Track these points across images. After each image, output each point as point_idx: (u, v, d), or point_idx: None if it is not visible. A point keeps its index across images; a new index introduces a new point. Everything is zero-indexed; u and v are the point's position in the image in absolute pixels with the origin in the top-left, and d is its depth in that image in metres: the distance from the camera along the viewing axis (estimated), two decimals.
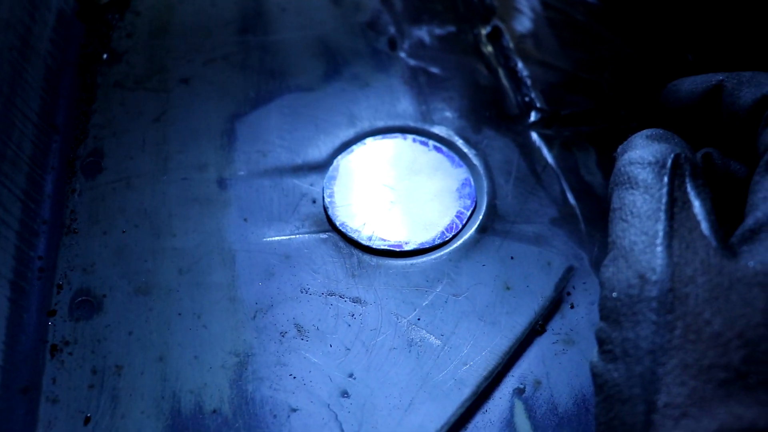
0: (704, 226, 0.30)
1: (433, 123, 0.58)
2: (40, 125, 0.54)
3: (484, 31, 0.66)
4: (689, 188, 0.32)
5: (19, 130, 0.52)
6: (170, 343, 0.46)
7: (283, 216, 0.52)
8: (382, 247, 0.50)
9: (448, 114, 0.59)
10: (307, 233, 0.51)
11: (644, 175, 0.32)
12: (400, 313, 0.48)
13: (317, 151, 0.55)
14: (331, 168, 0.54)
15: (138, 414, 0.43)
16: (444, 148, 0.56)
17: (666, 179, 0.32)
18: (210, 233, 0.51)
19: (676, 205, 0.31)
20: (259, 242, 0.50)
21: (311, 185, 0.53)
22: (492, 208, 0.54)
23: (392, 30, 0.65)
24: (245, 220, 0.51)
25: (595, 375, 0.31)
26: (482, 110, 0.59)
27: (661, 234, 0.30)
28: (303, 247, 0.50)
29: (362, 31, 0.64)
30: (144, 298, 0.47)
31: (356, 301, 0.48)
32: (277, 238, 0.51)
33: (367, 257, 0.50)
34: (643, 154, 0.33)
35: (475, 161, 0.56)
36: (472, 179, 0.55)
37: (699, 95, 0.38)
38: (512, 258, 0.51)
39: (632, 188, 0.32)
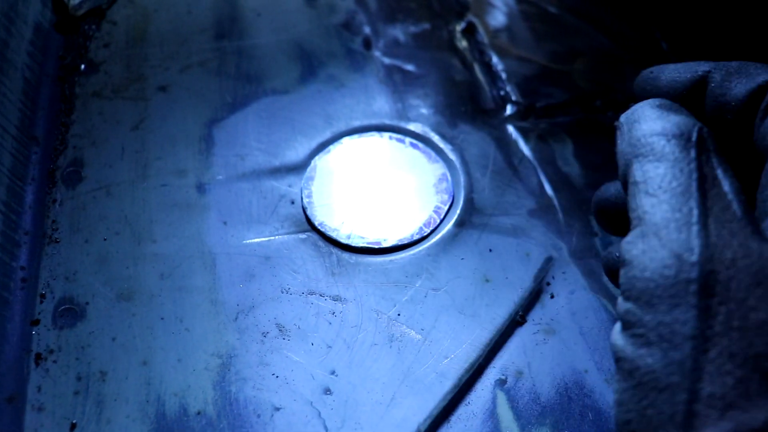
0: (736, 207, 0.29)
1: (408, 120, 0.58)
2: (20, 138, 0.55)
3: (458, 27, 0.67)
4: (716, 165, 0.30)
5: None
6: (153, 347, 0.46)
7: (262, 218, 0.52)
8: (361, 245, 0.51)
9: (423, 111, 0.59)
10: (287, 234, 0.52)
11: (670, 147, 0.30)
12: (380, 309, 0.48)
13: (295, 153, 0.56)
14: (308, 168, 0.55)
15: (123, 419, 0.43)
16: (420, 145, 0.57)
17: (693, 153, 0.30)
18: (190, 238, 0.51)
19: (706, 182, 0.29)
20: (239, 245, 0.51)
21: (289, 186, 0.54)
22: (469, 202, 0.54)
23: (367, 30, 0.65)
24: (225, 223, 0.52)
25: (621, 359, 0.28)
26: (458, 105, 0.60)
27: (695, 212, 0.28)
28: (283, 247, 0.51)
29: (337, 32, 0.65)
30: (126, 304, 0.48)
31: (336, 299, 0.48)
32: (256, 240, 0.51)
33: (346, 255, 0.51)
34: (665, 126, 0.32)
35: (452, 156, 0.56)
36: (448, 174, 0.55)
37: (683, 85, 0.37)
38: (491, 251, 0.51)
39: (658, 161, 0.30)
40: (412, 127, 0.58)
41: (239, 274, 0.49)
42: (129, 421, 0.43)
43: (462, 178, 0.55)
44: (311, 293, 0.49)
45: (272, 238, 0.51)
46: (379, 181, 0.55)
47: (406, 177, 0.55)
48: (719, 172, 0.30)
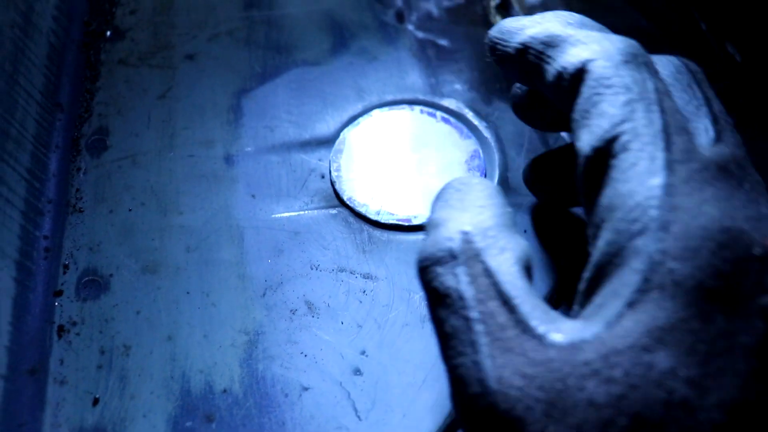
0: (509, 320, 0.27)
1: (442, 95, 0.56)
2: (44, 104, 0.53)
3: (493, 3, 0.65)
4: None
5: (22, 108, 0.51)
6: (179, 322, 0.45)
7: (291, 192, 0.51)
8: (391, 222, 0.49)
9: (457, 86, 0.57)
10: (316, 209, 0.50)
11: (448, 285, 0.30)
12: (412, 288, 0.47)
13: (325, 126, 0.54)
14: (337, 141, 0.53)
15: (147, 394, 0.42)
16: (452, 120, 0.55)
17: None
18: (218, 210, 0.50)
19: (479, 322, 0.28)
20: (267, 219, 0.49)
21: (320, 160, 0.52)
22: (504, 181, 0.52)
23: (399, 2, 0.63)
24: (253, 196, 0.50)
25: None
26: (493, 82, 0.58)
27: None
28: (312, 223, 0.49)
29: (369, 4, 0.63)
30: (152, 277, 0.47)
31: (367, 277, 0.47)
32: (285, 214, 0.50)
33: (377, 232, 0.49)
34: (432, 251, 0.31)
35: (486, 133, 0.55)
36: (481, 151, 0.54)
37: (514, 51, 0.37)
38: (525, 231, 0.50)
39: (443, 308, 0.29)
40: (446, 102, 0.56)
41: (267, 249, 0.48)
42: (153, 397, 0.42)
43: (496, 156, 0.53)
44: (341, 270, 0.47)
45: (302, 213, 0.50)
46: (409, 155, 0.53)
47: (437, 153, 0.53)
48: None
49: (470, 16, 0.63)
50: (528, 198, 0.51)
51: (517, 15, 0.63)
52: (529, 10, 0.63)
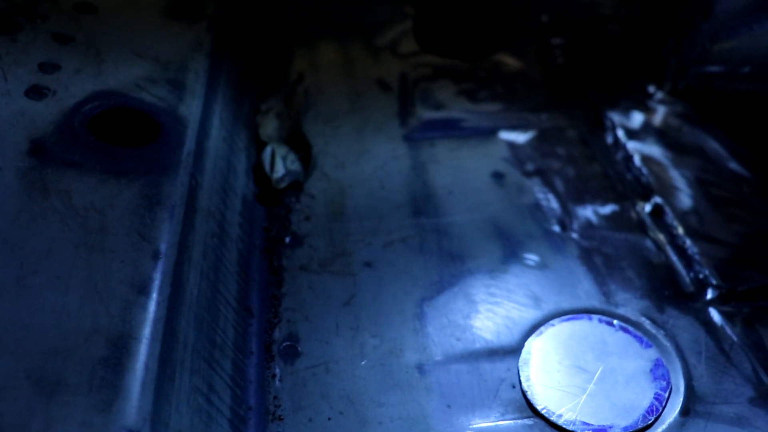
0: None
1: (617, 304, 0.58)
2: (238, 310, 0.56)
3: (645, 209, 0.67)
4: None
5: (223, 316, 0.53)
6: None
7: (485, 402, 0.52)
8: None
9: (629, 295, 0.59)
10: (512, 419, 0.51)
11: None
12: None
13: (508, 334, 0.56)
14: (523, 351, 0.55)
15: None
16: (631, 329, 0.57)
17: None
18: (415, 421, 0.50)
19: None
20: (465, 430, 0.50)
21: (508, 369, 0.54)
22: (690, 390, 0.53)
23: (559, 210, 0.66)
24: (448, 406, 0.51)
25: None
26: (661, 289, 0.60)
27: None
28: None
29: (530, 213, 0.66)
30: None
31: None
32: (483, 424, 0.50)
33: None
34: None
35: (665, 341, 0.56)
36: (663, 360, 0.54)
37: None
38: None
39: None
40: (621, 311, 0.58)
41: None
42: None
43: (678, 365, 0.54)
44: None
45: (498, 423, 0.50)
46: (594, 365, 0.54)
47: (620, 361, 0.54)
48: None
49: (627, 223, 0.66)
50: (715, 407, 0.52)
51: (672, 221, 0.66)
52: (683, 217, 0.66)
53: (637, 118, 0.78)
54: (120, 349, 0.41)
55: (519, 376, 0.53)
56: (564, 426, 0.50)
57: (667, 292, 0.60)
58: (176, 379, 0.44)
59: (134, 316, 0.43)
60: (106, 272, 0.45)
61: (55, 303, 0.42)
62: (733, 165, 0.72)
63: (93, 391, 0.39)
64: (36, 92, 0.55)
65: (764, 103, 0.74)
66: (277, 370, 0.54)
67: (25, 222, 0.46)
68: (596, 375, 0.53)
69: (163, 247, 0.48)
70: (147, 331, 0.43)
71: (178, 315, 0.47)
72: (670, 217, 0.66)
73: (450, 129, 0.76)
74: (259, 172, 0.68)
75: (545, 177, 0.70)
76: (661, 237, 0.65)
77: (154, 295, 0.45)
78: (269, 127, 0.73)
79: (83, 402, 0.38)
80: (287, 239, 0.63)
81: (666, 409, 0.52)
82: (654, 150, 0.73)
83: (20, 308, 0.42)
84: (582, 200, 0.68)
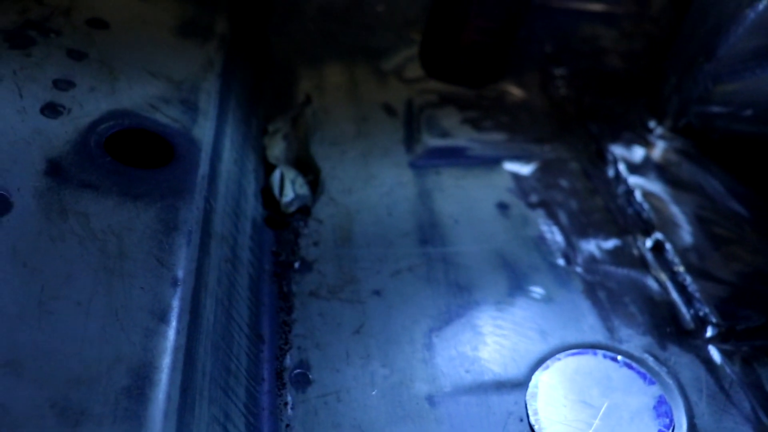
0: None
1: (621, 340, 0.59)
2: (250, 336, 0.56)
3: (647, 245, 0.69)
4: None
5: (237, 342, 0.54)
6: None
7: None
8: None
9: (632, 330, 0.60)
10: None
11: None
12: None
13: (515, 367, 0.57)
14: (531, 384, 0.56)
15: None
16: (634, 365, 0.58)
17: None
18: None
19: None
20: None
21: (515, 403, 0.54)
22: (692, 428, 0.54)
23: (563, 243, 0.67)
24: None
25: None
26: (663, 325, 0.61)
27: None
28: None
29: (535, 245, 0.67)
30: None
31: None
32: None
33: None
34: None
35: (667, 378, 0.57)
36: (666, 397, 0.56)
37: None
38: None
39: None
40: (625, 347, 0.59)
41: None
42: None
43: (681, 402, 0.55)
44: None
45: None
46: (599, 400, 0.55)
47: (624, 397, 0.55)
48: None
49: (629, 258, 0.67)
50: None
51: (672, 257, 0.67)
52: (683, 254, 0.67)
53: (638, 153, 0.79)
54: (142, 378, 0.42)
55: (527, 410, 0.54)
56: None
57: (668, 328, 0.61)
58: (196, 408, 0.45)
59: (155, 345, 0.44)
60: (126, 299, 0.45)
61: (77, 330, 0.43)
62: (733, 204, 0.73)
63: (117, 422, 0.39)
64: (52, 110, 0.55)
65: (765, 146, 0.76)
66: (289, 398, 0.54)
67: (44, 244, 0.46)
68: (601, 410, 0.54)
69: (181, 273, 0.48)
70: (168, 360, 0.43)
71: (197, 343, 0.47)
72: (670, 253, 0.67)
73: (455, 157, 0.77)
74: (267, 195, 0.68)
75: (549, 209, 0.72)
76: (662, 274, 0.66)
77: (174, 323, 0.45)
78: (277, 148, 0.73)
79: None
80: (296, 264, 0.63)
81: None
82: (655, 185, 0.75)
83: (43, 334, 0.42)
84: (585, 234, 0.69)
